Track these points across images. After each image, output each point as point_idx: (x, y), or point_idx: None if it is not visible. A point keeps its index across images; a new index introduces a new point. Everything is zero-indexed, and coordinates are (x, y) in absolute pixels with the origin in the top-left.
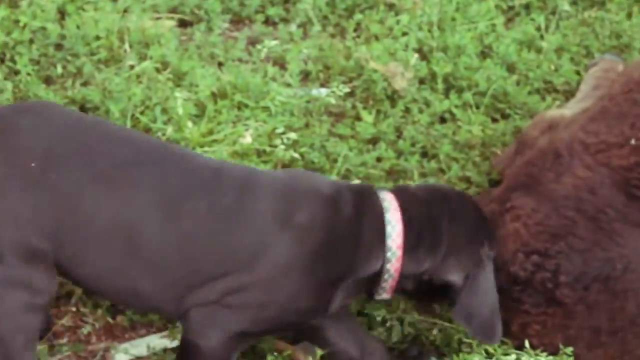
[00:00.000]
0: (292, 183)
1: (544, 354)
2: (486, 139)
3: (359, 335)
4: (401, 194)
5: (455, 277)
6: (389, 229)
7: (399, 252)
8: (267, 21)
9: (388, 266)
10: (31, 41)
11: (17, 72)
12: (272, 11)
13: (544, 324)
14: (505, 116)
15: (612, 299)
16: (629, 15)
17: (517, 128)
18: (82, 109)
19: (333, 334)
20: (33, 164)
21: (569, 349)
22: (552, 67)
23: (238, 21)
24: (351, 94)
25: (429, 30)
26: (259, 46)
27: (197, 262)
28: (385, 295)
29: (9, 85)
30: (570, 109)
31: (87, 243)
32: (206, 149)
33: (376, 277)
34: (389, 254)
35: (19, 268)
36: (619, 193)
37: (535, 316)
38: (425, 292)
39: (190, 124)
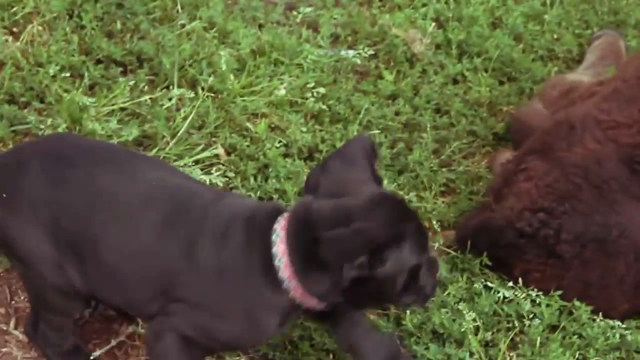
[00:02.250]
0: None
1: (535, 289)
2: (493, 98)
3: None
4: (296, 219)
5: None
6: (277, 262)
7: (293, 282)
8: None
9: (292, 294)
10: (96, 0)
11: (82, 27)
12: None
13: (542, 272)
14: (511, 79)
15: (605, 259)
16: None
17: (521, 89)
18: (139, 59)
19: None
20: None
21: (559, 292)
22: (555, 37)
23: None
24: (375, 55)
25: (446, 2)
26: (295, 11)
27: (141, 275)
28: (322, 307)
29: (75, 39)
30: (583, 75)
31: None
32: (245, 98)
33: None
34: (284, 285)
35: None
36: (623, 167)
37: (536, 265)
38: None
39: (232, 77)
